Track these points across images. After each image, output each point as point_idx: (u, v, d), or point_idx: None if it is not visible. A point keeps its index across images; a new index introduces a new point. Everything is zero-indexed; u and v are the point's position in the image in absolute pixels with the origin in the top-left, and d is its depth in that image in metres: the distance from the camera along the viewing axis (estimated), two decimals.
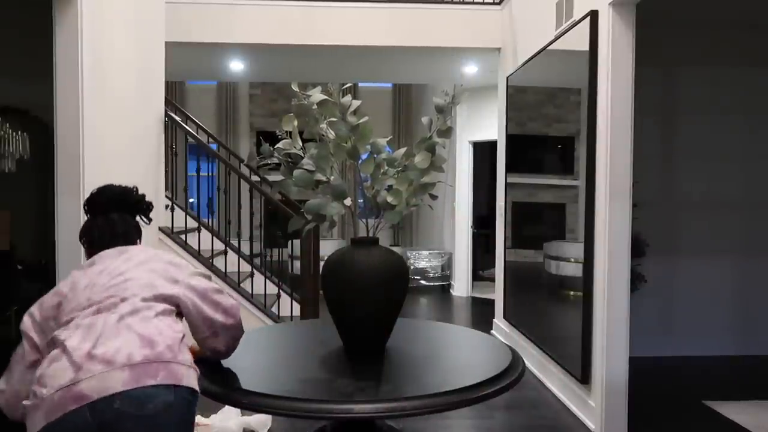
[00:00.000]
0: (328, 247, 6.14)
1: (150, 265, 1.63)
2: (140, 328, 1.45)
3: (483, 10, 5.31)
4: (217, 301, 1.65)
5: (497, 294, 5.41)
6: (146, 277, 1.58)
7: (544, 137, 4.74)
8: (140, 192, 1.87)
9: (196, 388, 1.48)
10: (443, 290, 8.16)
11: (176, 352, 1.45)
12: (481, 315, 6.55)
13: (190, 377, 1.46)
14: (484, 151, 7.74)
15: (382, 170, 1.83)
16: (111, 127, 3.42)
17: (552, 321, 4.32)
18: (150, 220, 1.90)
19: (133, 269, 1.60)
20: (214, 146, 5.63)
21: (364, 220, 1.91)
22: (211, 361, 1.75)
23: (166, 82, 4.59)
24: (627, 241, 3.21)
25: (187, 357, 1.49)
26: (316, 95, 1.78)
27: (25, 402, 1.38)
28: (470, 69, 6.14)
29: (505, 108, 5.15)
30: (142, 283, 1.56)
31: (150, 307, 1.51)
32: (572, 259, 3.86)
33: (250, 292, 4.45)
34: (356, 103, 1.81)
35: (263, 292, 4.61)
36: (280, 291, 4.82)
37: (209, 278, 1.72)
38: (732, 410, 3.62)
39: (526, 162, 5.09)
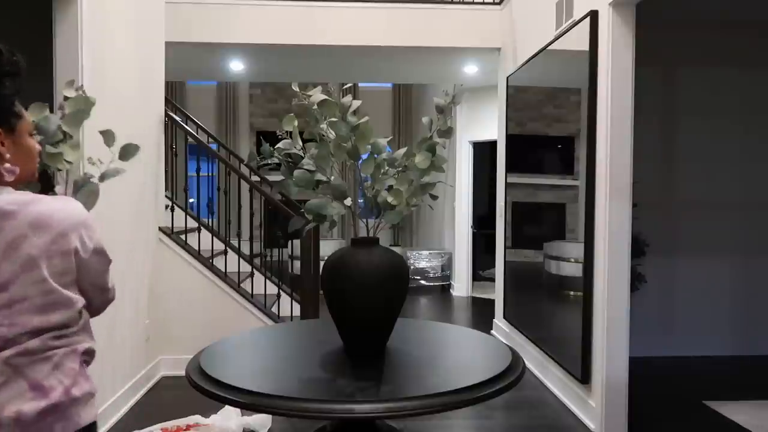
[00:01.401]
0: (328, 247, 6.14)
1: (40, 265, 1.21)
2: (31, 370, 1.20)
3: (483, 10, 5.31)
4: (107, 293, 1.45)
5: (497, 294, 5.41)
6: (36, 296, 1.20)
7: (544, 137, 4.74)
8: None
9: (94, 417, 1.33)
10: (443, 290, 8.16)
11: (73, 389, 1.27)
12: (481, 315, 6.55)
13: (87, 411, 1.30)
14: (484, 151, 7.74)
15: (382, 170, 1.83)
16: (111, 127, 3.41)
17: (552, 321, 4.32)
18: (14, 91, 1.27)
19: (23, 275, 1.19)
20: (214, 146, 5.63)
21: (364, 220, 1.91)
22: (212, 361, 1.75)
23: (166, 82, 4.59)
24: (627, 241, 3.21)
25: (86, 384, 1.32)
26: (316, 95, 1.78)
27: None
28: (470, 69, 6.14)
29: (505, 108, 5.15)
30: (32, 306, 1.20)
31: (45, 346, 1.23)
32: (572, 259, 3.86)
33: (250, 292, 4.45)
34: (356, 103, 1.81)
35: (263, 292, 4.61)
36: (280, 291, 4.82)
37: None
38: (732, 410, 3.62)
39: (526, 162, 5.10)
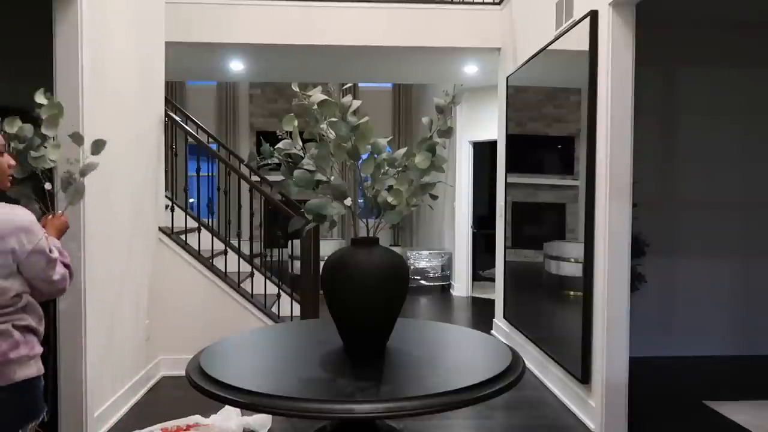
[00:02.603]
0: (328, 247, 6.14)
1: None
2: None
3: (483, 10, 5.31)
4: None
5: (497, 294, 5.41)
6: None
7: (544, 137, 4.74)
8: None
9: (33, 375, 1.71)
10: (443, 290, 8.16)
11: (10, 353, 1.66)
12: (481, 315, 6.55)
13: (23, 369, 1.69)
14: (484, 151, 7.74)
15: (382, 170, 1.83)
16: (111, 127, 3.42)
17: (552, 321, 4.32)
18: None
19: None
20: (214, 146, 5.63)
21: (364, 220, 1.91)
22: (212, 361, 1.75)
23: (166, 82, 4.59)
24: (627, 241, 3.21)
25: (24, 349, 1.69)
26: (316, 95, 1.78)
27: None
28: (470, 69, 6.14)
29: (505, 108, 5.15)
30: None
31: None
32: (572, 259, 3.86)
33: (250, 292, 4.45)
34: (356, 103, 1.81)
35: (263, 292, 4.60)
36: (280, 291, 4.82)
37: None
38: (732, 410, 3.62)
39: (526, 162, 5.10)
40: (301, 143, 1.87)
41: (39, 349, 1.75)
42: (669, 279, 4.80)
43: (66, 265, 1.82)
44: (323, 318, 3.16)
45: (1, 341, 1.66)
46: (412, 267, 8.01)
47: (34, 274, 1.71)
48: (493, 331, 5.46)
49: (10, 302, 1.68)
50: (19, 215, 1.69)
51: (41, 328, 1.77)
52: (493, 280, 5.74)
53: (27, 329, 1.72)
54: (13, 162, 1.84)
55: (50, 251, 1.73)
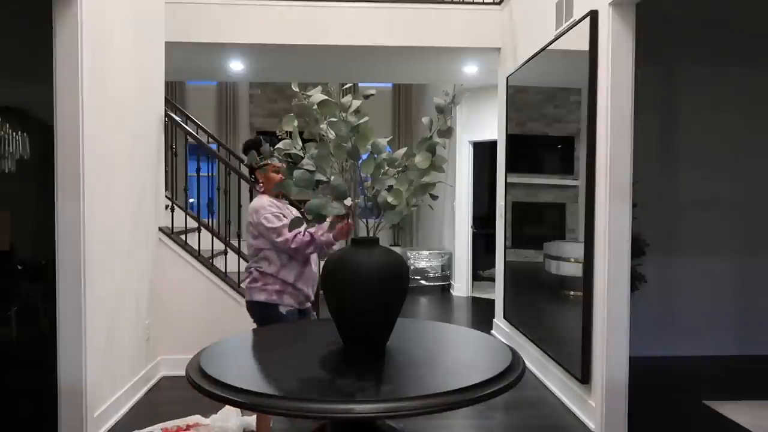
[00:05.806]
0: None
1: (249, 227, 2.92)
2: (250, 271, 2.92)
3: (483, 10, 5.31)
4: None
5: (497, 294, 5.41)
6: (248, 241, 2.98)
7: (544, 137, 4.74)
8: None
9: (263, 300, 2.83)
10: (443, 290, 8.16)
11: (251, 283, 2.86)
12: (481, 315, 6.55)
13: (257, 294, 2.84)
14: (484, 151, 7.74)
15: (382, 170, 1.83)
16: (111, 127, 3.42)
17: (552, 321, 4.31)
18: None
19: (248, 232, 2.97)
20: (214, 146, 5.63)
21: (364, 220, 1.91)
22: (212, 361, 1.75)
23: (166, 82, 4.59)
24: (627, 241, 3.21)
25: (258, 283, 2.83)
26: (316, 95, 1.78)
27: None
28: (470, 69, 6.14)
29: (505, 108, 5.15)
30: (248, 246, 2.99)
31: (251, 264, 2.92)
32: (572, 259, 3.86)
33: None
34: (356, 103, 1.81)
35: None
36: None
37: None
38: (732, 410, 3.62)
39: (526, 162, 5.09)
40: (301, 143, 1.87)
41: (272, 287, 2.82)
42: (669, 279, 4.80)
43: (310, 236, 2.75)
44: (323, 318, 3.15)
45: (247, 275, 2.89)
46: (412, 267, 8.01)
47: (265, 237, 2.79)
48: (493, 331, 5.46)
49: (254, 253, 2.86)
50: (258, 203, 2.84)
51: (281, 273, 2.81)
52: (493, 280, 5.74)
53: (263, 273, 2.83)
54: (281, 177, 2.67)
55: (270, 223, 2.76)
